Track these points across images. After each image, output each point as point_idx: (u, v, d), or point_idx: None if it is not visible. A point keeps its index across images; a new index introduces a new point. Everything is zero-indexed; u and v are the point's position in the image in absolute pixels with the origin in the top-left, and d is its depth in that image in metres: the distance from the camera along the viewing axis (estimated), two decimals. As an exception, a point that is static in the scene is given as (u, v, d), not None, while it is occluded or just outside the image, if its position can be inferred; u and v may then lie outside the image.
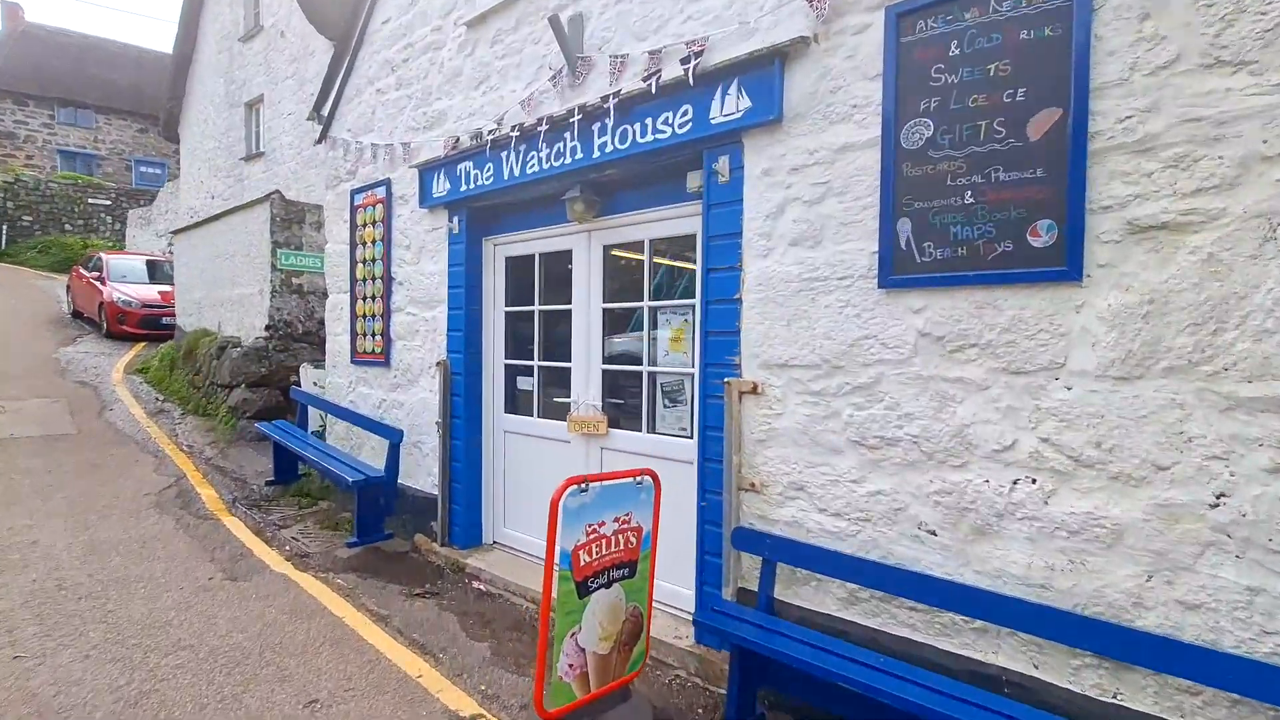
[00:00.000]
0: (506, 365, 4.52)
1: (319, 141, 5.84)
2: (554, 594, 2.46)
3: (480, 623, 3.52)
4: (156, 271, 13.18)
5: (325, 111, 5.75)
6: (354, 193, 5.44)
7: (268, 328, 7.28)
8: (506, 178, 4.00)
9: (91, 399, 8.02)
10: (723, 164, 3.04)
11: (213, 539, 4.42)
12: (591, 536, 2.59)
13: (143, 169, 26.41)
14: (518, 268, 4.51)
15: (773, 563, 2.79)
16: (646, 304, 3.65)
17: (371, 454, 5.36)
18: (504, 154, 3.99)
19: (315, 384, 6.43)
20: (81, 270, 13.72)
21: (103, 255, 13.52)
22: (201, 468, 5.97)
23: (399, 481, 4.94)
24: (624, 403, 3.90)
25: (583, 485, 2.54)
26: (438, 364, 4.55)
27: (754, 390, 2.94)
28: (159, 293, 12.23)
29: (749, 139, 2.97)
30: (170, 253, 13.00)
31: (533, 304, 4.29)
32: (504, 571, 4.12)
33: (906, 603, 2.52)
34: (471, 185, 4.23)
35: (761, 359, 2.93)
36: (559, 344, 4.24)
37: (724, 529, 3.02)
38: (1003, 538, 2.31)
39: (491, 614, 3.64)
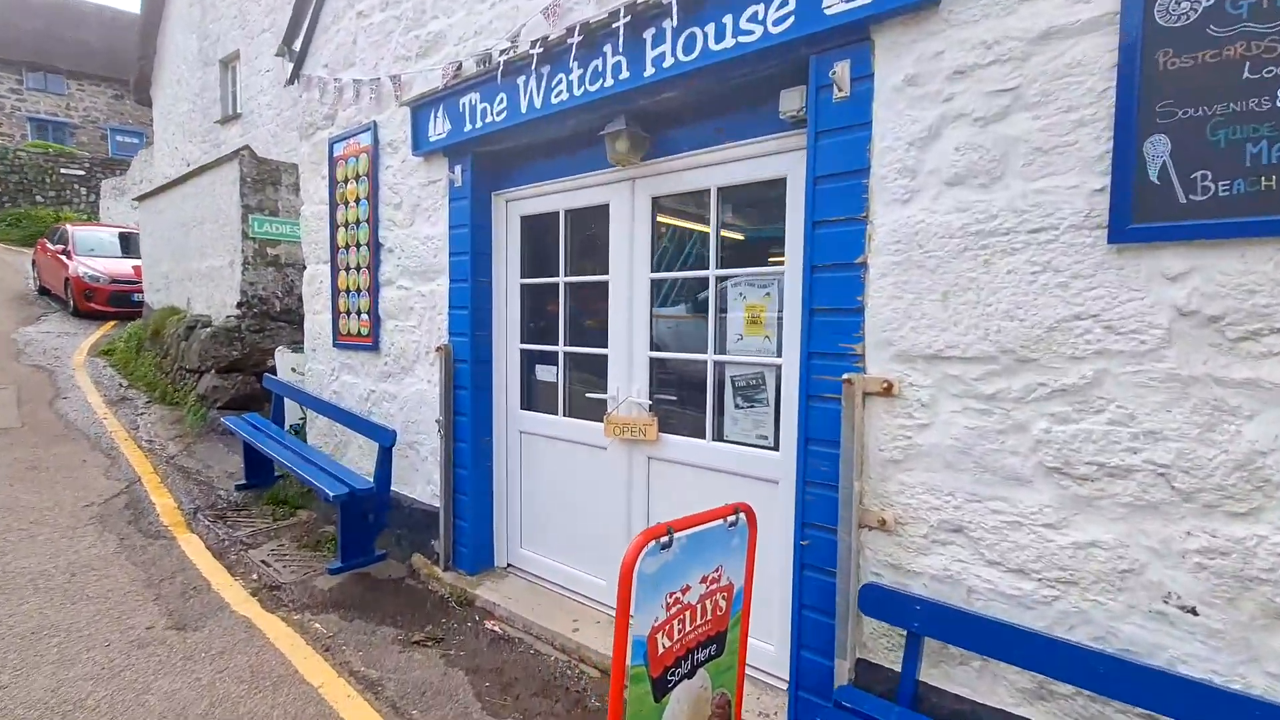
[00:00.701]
0: (523, 351, 3.66)
1: (290, 82, 4.89)
2: (624, 703, 1.64)
3: (499, 686, 2.71)
4: (130, 244, 12.15)
5: (297, 45, 4.79)
6: (333, 142, 4.51)
7: (240, 305, 6.38)
8: (524, 110, 3.10)
9: (45, 385, 7.13)
10: (841, 72, 2.16)
11: (162, 566, 3.59)
12: (674, 610, 1.77)
13: (119, 138, 25.11)
14: (537, 229, 3.63)
15: (920, 637, 1.98)
16: (712, 273, 2.79)
17: (360, 454, 4.52)
18: (521, 80, 3.09)
19: (294, 370, 5.57)
20: (47, 243, 12.69)
21: (68, 227, 12.50)
22: (161, 469, 5.11)
23: (392, 489, 4.11)
24: (678, 400, 3.06)
25: (665, 538, 1.70)
26: (437, 349, 3.69)
27: (886, 391, 2.10)
28: (133, 267, 11.23)
29: (882, 34, 2.09)
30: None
31: (556, 274, 3.42)
32: (524, 607, 3.31)
33: (1140, 711, 1.72)
34: (478, 123, 3.33)
35: (898, 348, 2.09)
36: (592, 325, 3.38)
37: (839, 579, 2.20)
38: (1324, 628, 1.50)
39: (512, 670, 2.84)
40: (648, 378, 3.05)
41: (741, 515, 2.02)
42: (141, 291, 10.12)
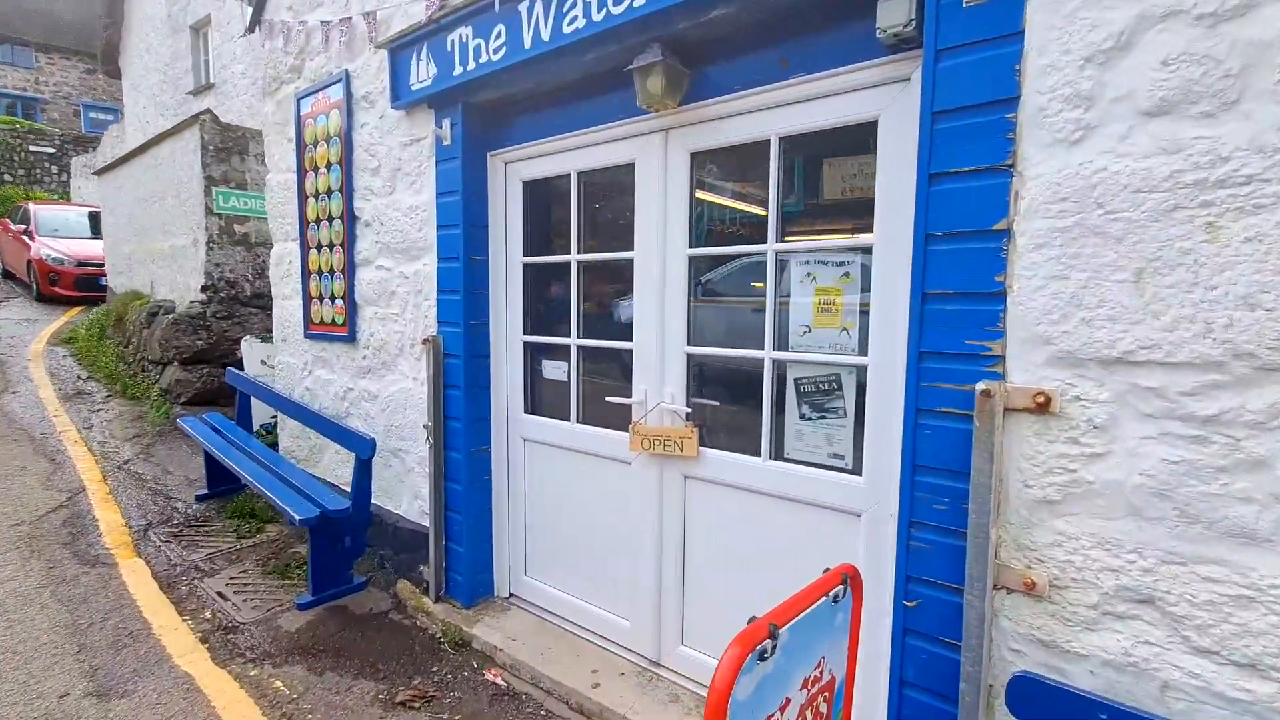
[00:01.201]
0: (527, 344, 3.06)
1: (250, 29, 4.20)
2: None
3: (504, 768, 2.15)
4: (100, 225, 11.39)
5: (258, -15, 4.11)
6: (300, 98, 3.86)
7: (205, 289, 5.72)
8: (528, 46, 2.47)
9: (-7, 378, 6.47)
10: (978, -37, 1.56)
11: (94, 604, 2.99)
12: (771, 738, 1.19)
13: (93, 114, 24.05)
14: (544, 196, 3.01)
15: (1099, 752, 1.42)
16: (771, 248, 2.19)
17: (337, 460, 3.93)
18: (524, 6, 2.46)
19: (264, 363, 4.95)
20: (9, 223, 11.91)
21: (30, 206, 11.70)
22: (112, 476, 4.50)
23: (374, 502, 3.53)
24: (723, 408, 2.48)
25: (768, 643, 1.13)
26: (424, 341, 3.09)
27: (1040, 406, 1.53)
28: (103, 249, 10.50)
29: (1042, -95, 1.48)
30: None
31: (568, 252, 2.81)
32: (532, 652, 2.75)
33: None
34: (470, 65, 2.69)
35: (1059, 347, 1.51)
36: (612, 314, 2.79)
37: (964, 656, 1.63)
38: None
39: (520, 742, 2.28)
40: (684, 378, 2.46)
41: (846, 580, 1.45)
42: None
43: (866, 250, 2.00)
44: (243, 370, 4.88)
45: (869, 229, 1.97)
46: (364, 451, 3.08)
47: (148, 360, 6.16)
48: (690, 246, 2.41)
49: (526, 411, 3.09)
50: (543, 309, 3.07)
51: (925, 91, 1.66)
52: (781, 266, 2.20)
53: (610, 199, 2.77)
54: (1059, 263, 1.50)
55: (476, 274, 3.02)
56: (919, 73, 1.79)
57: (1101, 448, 1.47)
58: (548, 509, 3.04)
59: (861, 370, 2.03)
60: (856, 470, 2.08)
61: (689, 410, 2.44)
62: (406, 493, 3.45)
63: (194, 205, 5.75)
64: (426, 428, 3.12)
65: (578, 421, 2.87)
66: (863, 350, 2.03)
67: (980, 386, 1.56)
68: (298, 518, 2.84)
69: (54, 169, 20.01)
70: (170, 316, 5.72)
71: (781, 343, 2.22)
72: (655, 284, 2.48)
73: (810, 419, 2.19)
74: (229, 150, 5.72)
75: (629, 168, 2.56)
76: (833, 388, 2.13)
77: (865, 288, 2.02)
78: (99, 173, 8.53)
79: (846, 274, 2.08)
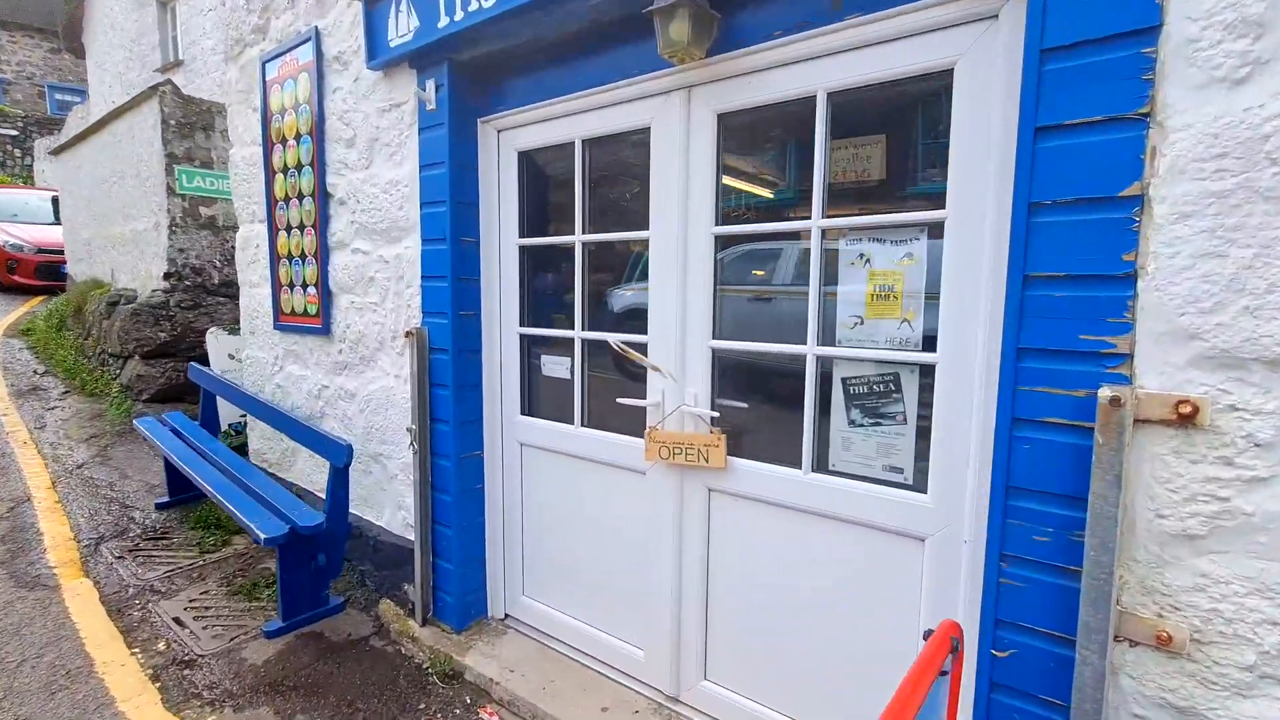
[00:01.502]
0: (525, 338, 2.72)
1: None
2: None
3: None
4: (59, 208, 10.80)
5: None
6: (265, 62, 3.46)
7: (168, 275, 5.28)
8: (527, -12, 2.11)
9: (-61, 373, 6.00)
10: None
11: (29, 637, 2.62)
12: None
13: (59, 95, 23.05)
14: (544, 169, 2.66)
15: None
16: (816, 224, 1.86)
17: (312, 465, 3.57)
18: (521, -59, 2.09)
19: (231, 357, 4.55)
20: (-35, 208, 11.27)
21: (-13, 189, 11.08)
22: (63, 483, 4.09)
23: (353, 511, 3.19)
24: (755, 411, 2.15)
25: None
26: (406, 334, 2.73)
27: (1183, 418, 1.22)
28: (63, 234, 9.94)
29: None
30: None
31: (570, 231, 2.46)
32: (532, 686, 2.43)
33: None
34: (457, 14, 2.32)
35: (1210, 344, 1.20)
36: (623, 303, 2.46)
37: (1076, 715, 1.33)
38: None
39: (521, 799, 1.96)
40: (709, 377, 2.14)
41: (956, 645, 1.14)
42: (72, 262, 8.86)
43: (936, 227, 1.67)
44: (208, 365, 4.48)
45: (940, 202, 1.65)
46: (339, 459, 2.73)
47: (108, 354, 5.72)
48: (716, 224, 2.07)
49: (523, 413, 2.75)
50: (542, 298, 2.72)
51: (1032, 24, 1.34)
52: (828, 248, 1.88)
53: (621, 171, 2.42)
54: (1213, 237, 1.18)
55: (466, 258, 2.66)
56: (1010, 7, 1.46)
57: (1265, 470, 1.17)
58: (548, 522, 2.72)
59: (927, 369, 1.72)
60: (919, 486, 1.77)
61: (715, 414, 2.11)
62: (389, 502, 3.11)
63: (155, 186, 5.30)
64: (410, 431, 2.77)
65: (582, 425, 2.53)
66: (928, 345, 1.71)
67: (1106, 392, 1.24)
68: (263, 536, 2.49)
69: (17, 152, 19.20)
70: (130, 307, 5.29)
71: (826, 336, 1.90)
72: (674, 268, 2.15)
73: (861, 425, 1.87)
74: (192, 126, 5.27)
75: (643, 134, 2.21)
76: (889, 389, 1.82)
77: (933, 272, 1.70)
78: (55, 152, 8.00)
79: (909, 255, 1.75)
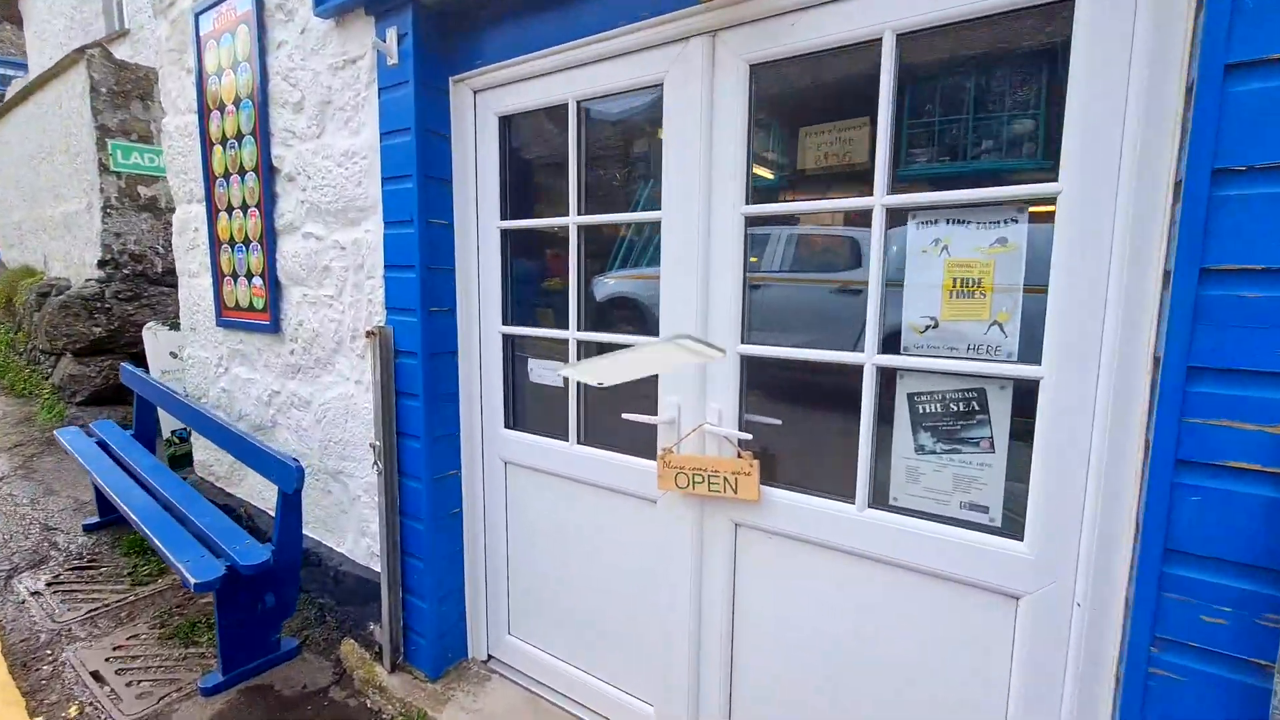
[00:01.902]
0: (508, 338, 2.31)
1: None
2: None
3: None
4: None
5: None
6: (198, 15, 2.96)
7: (103, 263, 4.73)
8: (510, -95, 1.68)
9: None
10: None
11: (-92, 701, 2.17)
12: None
13: (0, 70, 21.68)
14: (530, 138, 2.24)
15: None
16: (879, 201, 1.48)
17: (264, 482, 3.13)
18: None
19: (174, 355, 4.05)
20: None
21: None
22: (-24, 500, 3.59)
23: (311, 537, 2.78)
24: (791, 431, 1.78)
25: None
26: (368, 334, 2.30)
27: None
28: None
29: None
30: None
31: (564, 213, 2.05)
32: (522, 752, 2.06)
33: None
34: (424, -57, 1.88)
35: None
36: (627, 296, 2.07)
37: None
38: None
39: None
40: (737, 389, 1.76)
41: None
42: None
43: (1045, 204, 1.31)
44: (146, 366, 3.98)
45: (1051, 172, 1.28)
46: (288, 483, 2.30)
47: (39, 350, 5.15)
48: (746, 203, 1.69)
49: (508, 426, 2.35)
50: (530, 292, 2.31)
51: (1225, -81, 0.97)
52: (893, 232, 1.50)
53: (626, 138, 2.02)
54: None
55: (437, 244, 2.24)
56: (1168, -92, 1.09)
57: None
58: (538, 553, 2.33)
59: (1027, 386, 1.36)
60: (1010, 531, 1.41)
61: (747, 436, 1.73)
62: (352, 527, 2.69)
63: (86, 162, 4.73)
64: (374, 447, 2.35)
65: (578, 442, 2.14)
66: (1029, 356, 1.36)
67: (1337, 434, 0.89)
68: (193, 581, 2.06)
69: (-46, 130, 18.00)
70: (60, 299, 4.73)
71: (889, 343, 1.53)
72: (694, 257, 1.76)
73: (933, 453, 1.51)
74: (127, 95, 4.69)
75: (655, 92, 1.81)
76: (972, 409, 1.46)
77: (1037, 262, 1.34)
78: (-20, 127, 7.26)
79: (1002, 240, 1.39)
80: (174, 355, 4.03)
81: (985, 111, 1.42)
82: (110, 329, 4.68)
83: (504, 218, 2.23)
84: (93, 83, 4.51)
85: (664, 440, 1.87)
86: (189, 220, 3.36)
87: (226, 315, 3.13)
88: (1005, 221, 1.38)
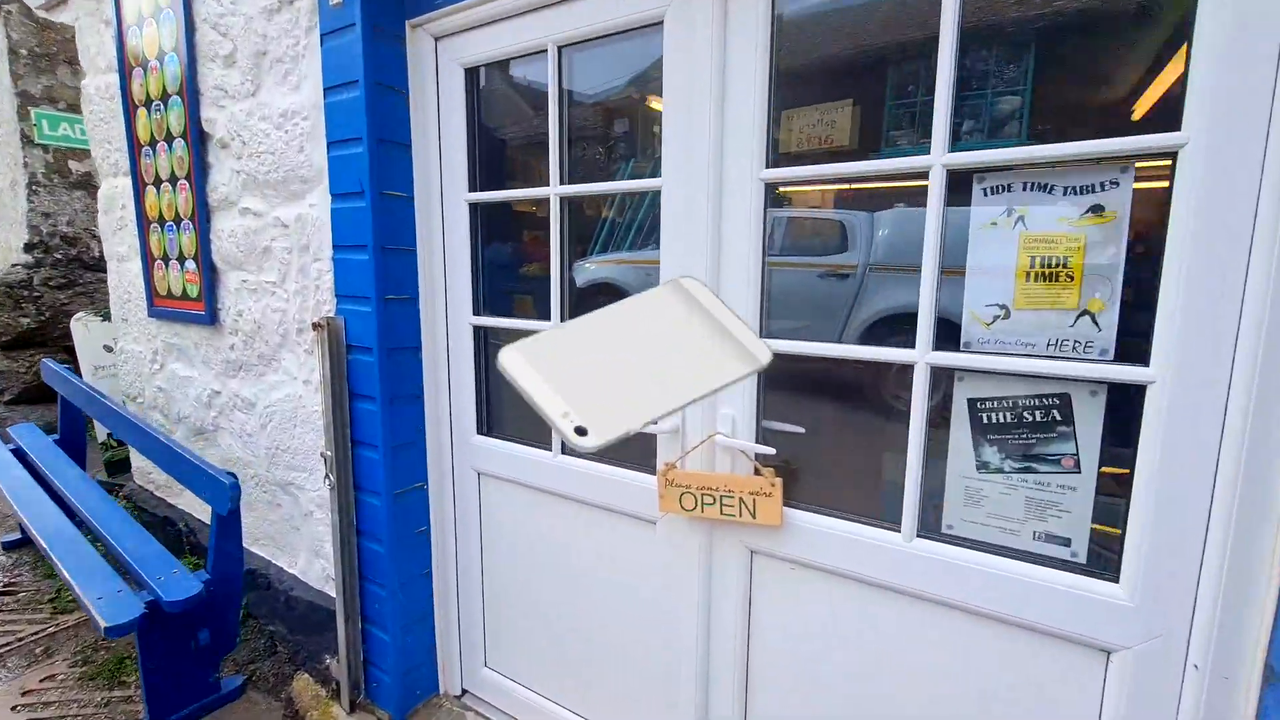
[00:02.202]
0: (480, 330, 1.98)
1: None
2: None
3: None
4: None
5: None
6: (116, -45, 2.55)
7: (30, 247, 4.27)
8: None
9: None
10: None
11: None
12: None
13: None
14: (501, 93, 1.91)
15: None
16: (937, 161, 1.19)
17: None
18: None
19: (108, 349, 3.65)
20: None
21: None
22: (-121, 514, 3.17)
23: (258, 554, 2.45)
24: (810, 437, 1.50)
25: None
26: (315, 326, 1.96)
27: None
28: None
29: None
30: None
31: (543, 181, 1.73)
32: (500, 811, 1.77)
33: None
34: None
35: None
36: (613, 283, 1.76)
37: None
38: None
39: None
40: (754, 393, 1.47)
41: None
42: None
43: (1160, 159, 1.03)
44: (75, 361, 3.57)
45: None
46: (221, 502, 1.96)
47: (-36, 343, 4.67)
48: (766, 166, 1.38)
49: (481, 432, 2.03)
50: (504, 276, 1.99)
51: None
52: (948, 202, 1.21)
53: (616, 93, 1.70)
54: None
55: (395, 220, 1.90)
56: None
57: None
58: (517, 576, 2.03)
59: (1127, 391, 1.09)
60: (1101, 570, 1.15)
61: (769, 450, 1.44)
62: (304, 546, 2.37)
63: (8, 134, 4.25)
64: (325, 458, 2.02)
65: (563, 451, 1.84)
66: (1131, 354, 1.08)
67: None
68: (104, 624, 1.72)
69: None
70: (-17, 285, 4.26)
71: (946, 337, 1.25)
72: (701, 231, 1.45)
73: (1000, 471, 1.24)
74: (52, 58, 4.22)
75: (653, 32, 1.49)
76: (1052, 419, 1.18)
77: (1142, 238, 1.06)
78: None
79: (1097, 209, 1.11)
80: (109, 349, 3.63)
81: (1066, 54, 1.13)
82: (40, 320, 4.24)
83: (473, 189, 1.90)
84: (10, 43, 4.03)
85: (666, 454, 1.58)
86: (115, 196, 2.96)
87: (159, 304, 2.76)
88: (1101, 186, 1.10)
